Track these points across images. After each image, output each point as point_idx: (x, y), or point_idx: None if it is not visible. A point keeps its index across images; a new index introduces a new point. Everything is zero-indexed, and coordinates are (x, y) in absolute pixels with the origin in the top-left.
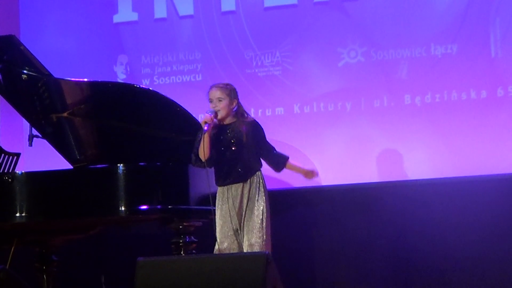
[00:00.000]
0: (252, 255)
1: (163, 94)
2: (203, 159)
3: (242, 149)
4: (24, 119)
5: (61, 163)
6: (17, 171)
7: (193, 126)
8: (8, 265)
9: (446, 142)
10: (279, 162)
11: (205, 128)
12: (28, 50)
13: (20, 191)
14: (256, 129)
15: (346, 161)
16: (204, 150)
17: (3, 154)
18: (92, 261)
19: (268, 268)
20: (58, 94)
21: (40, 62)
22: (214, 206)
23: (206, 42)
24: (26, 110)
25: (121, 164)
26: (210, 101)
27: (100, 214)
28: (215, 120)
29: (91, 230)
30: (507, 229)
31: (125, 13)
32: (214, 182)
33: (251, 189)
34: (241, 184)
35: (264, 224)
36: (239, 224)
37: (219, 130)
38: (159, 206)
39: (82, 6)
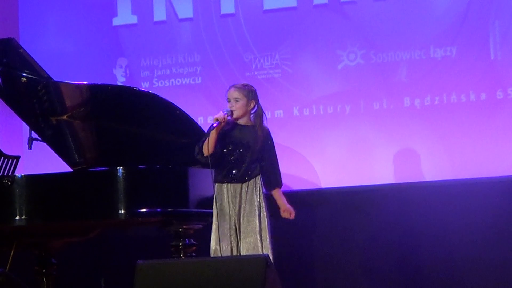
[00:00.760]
0: (251, 258)
1: (163, 97)
2: (205, 154)
3: (250, 155)
4: (23, 122)
5: (60, 166)
6: (16, 174)
7: (193, 128)
8: (7, 268)
9: (445, 145)
10: (269, 184)
11: (214, 124)
12: (28, 53)
13: (19, 194)
14: (268, 139)
15: (346, 164)
16: (208, 145)
17: (2, 157)
18: (92, 264)
19: (268, 271)
20: (57, 97)
21: (39, 65)
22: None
23: (205, 45)
24: (25, 113)
25: (121, 167)
26: (228, 100)
27: (99, 217)
28: (229, 118)
29: (90, 233)
30: (506, 231)
31: (124, 16)
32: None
33: (249, 191)
34: (239, 185)
35: (267, 227)
36: (237, 225)
37: (233, 128)
38: (158, 209)
39: (81, 9)
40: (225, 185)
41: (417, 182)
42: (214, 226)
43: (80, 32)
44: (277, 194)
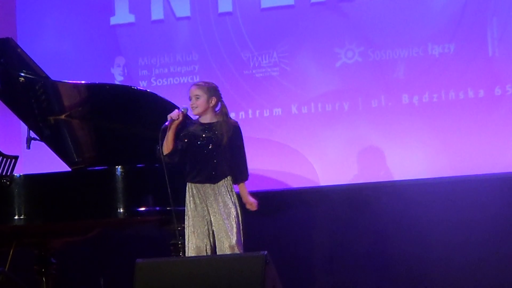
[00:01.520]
0: (251, 256)
1: (161, 95)
2: (165, 152)
3: (219, 150)
4: (22, 122)
5: (59, 166)
6: (15, 174)
7: None
8: (7, 267)
9: (444, 142)
10: (237, 178)
11: (166, 123)
12: (25, 53)
13: (18, 194)
14: (236, 131)
15: (344, 161)
16: (167, 144)
17: (1, 157)
18: (91, 263)
19: (267, 268)
20: (55, 97)
21: (37, 64)
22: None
23: (203, 43)
24: (23, 113)
25: (119, 166)
26: (190, 98)
27: (98, 216)
28: (190, 115)
29: (89, 232)
30: (505, 228)
31: (122, 15)
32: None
33: (221, 192)
34: (210, 185)
35: (240, 226)
36: (208, 223)
37: (198, 127)
38: (157, 208)
39: (79, 8)
40: (196, 185)
41: (415, 179)
42: (190, 224)
43: (78, 31)
44: (243, 187)
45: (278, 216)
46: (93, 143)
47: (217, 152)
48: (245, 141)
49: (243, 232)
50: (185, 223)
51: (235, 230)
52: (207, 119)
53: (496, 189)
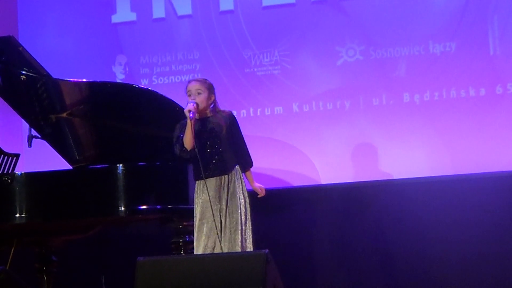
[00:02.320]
0: (251, 254)
1: (162, 94)
2: (189, 148)
3: (221, 142)
4: (23, 120)
5: (60, 164)
6: (16, 172)
7: None
8: (8, 265)
9: (445, 140)
10: (244, 166)
11: (191, 115)
12: (27, 51)
13: (19, 191)
14: (233, 121)
15: (345, 160)
16: (189, 138)
17: (2, 155)
18: (92, 261)
19: (268, 267)
20: (57, 95)
21: (38, 62)
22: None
23: (204, 41)
24: (25, 111)
25: (121, 164)
26: (189, 94)
27: (99, 214)
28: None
29: (90, 230)
30: (505, 226)
31: (123, 13)
32: None
33: (231, 183)
34: (221, 177)
35: (249, 219)
36: (220, 219)
37: (197, 123)
38: (158, 206)
39: (80, 7)
40: (208, 180)
41: (416, 178)
42: (198, 223)
43: (79, 29)
44: (250, 174)
45: (279, 214)
46: (94, 141)
47: (219, 144)
48: (246, 139)
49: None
50: (194, 221)
51: (247, 223)
52: (203, 115)
53: (497, 187)
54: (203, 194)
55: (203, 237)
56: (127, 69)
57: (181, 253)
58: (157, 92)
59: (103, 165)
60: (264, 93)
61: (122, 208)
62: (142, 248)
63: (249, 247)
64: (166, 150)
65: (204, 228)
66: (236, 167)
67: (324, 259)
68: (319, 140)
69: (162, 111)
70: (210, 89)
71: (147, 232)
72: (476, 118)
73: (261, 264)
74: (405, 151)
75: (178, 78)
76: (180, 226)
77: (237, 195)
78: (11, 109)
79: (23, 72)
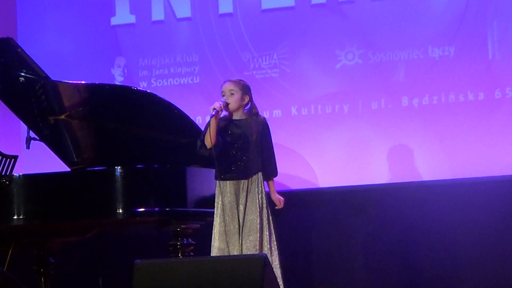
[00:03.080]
0: (249, 257)
1: (161, 96)
2: (208, 146)
3: (249, 147)
4: (21, 122)
5: (58, 166)
6: (14, 174)
7: (191, 128)
8: (5, 267)
9: (443, 144)
10: (268, 174)
11: (213, 113)
12: (26, 53)
13: (17, 193)
14: (265, 128)
15: (344, 164)
16: (210, 136)
17: (0, 157)
18: (90, 263)
19: (266, 270)
20: (55, 97)
21: (37, 64)
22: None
23: (203, 44)
24: (23, 113)
25: (119, 167)
26: (223, 94)
27: (97, 216)
28: (224, 110)
29: (88, 232)
30: (505, 231)
31: (122, 16)
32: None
33: (251, 188)
34: (241, 181)
35: (271, 225)
36: (239, 222)
37: (229, 124)
38: (156, 209)
39: (79, 9)
40: (228, 182)
41: (415, 182)
42: (217, 225)
43: (78, 31)
44: (272, 184)
45: (277, 218)
46: (92, 143)
47: (247, 149)
48: None
49: None
50: (214, 222)
51: (270, 229)
52: (237, 116)
53: (496, 192)
54: (222, 195)
55: (219, 239)
56: (126, 71)
57: (179, 256)
58: (155, 95)
59: (101, 167)
60: (263, 96)
61: (120, 211)
62: (140, 250)
63: (275, 254)
64: (165, 153)
65: (222, 229)
66: (259, 173)
67: (322, 262)
68: (317, 143)
69: (160, 114)
70: (244, 90)
71: (145, 235)
72: (474, 122)
73: (259, 267)
74: (403, 155)
75: (177, 81)
76: (178, 229)
77: (256, 199)
78: (10, 110)
79: (22, 74)
